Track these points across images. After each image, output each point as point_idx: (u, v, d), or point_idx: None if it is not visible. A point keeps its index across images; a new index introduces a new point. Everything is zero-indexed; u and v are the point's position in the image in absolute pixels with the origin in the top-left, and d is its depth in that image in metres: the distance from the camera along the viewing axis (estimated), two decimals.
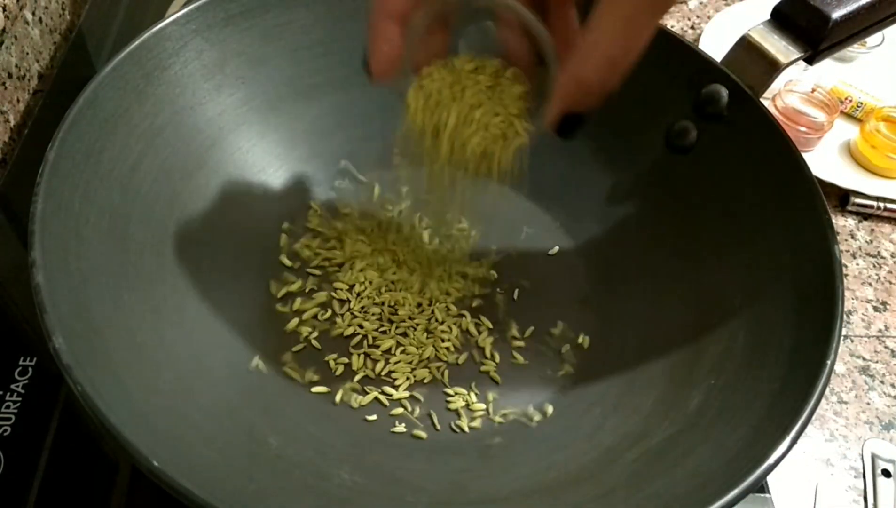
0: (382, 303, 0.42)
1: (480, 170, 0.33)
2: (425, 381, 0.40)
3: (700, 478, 0.30)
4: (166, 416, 0.31)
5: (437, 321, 0.41)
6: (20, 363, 0.39)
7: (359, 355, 0.40)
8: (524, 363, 0.41)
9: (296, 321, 0.41)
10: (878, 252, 0.52)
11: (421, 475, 0.36)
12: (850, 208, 0.54)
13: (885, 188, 0.54)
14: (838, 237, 0.44)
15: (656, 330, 0.40)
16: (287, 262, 0.43)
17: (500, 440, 0.38)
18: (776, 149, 0.39)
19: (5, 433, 0.36)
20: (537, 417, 0.39)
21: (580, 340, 0.42)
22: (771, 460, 0.28)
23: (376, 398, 0.38)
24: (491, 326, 0.42)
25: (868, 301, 0.49)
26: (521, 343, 0.41)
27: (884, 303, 0.49)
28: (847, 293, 0.49)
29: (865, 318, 0.48)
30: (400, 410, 0.38)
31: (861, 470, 0.41)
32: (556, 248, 0.46)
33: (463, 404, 0.39)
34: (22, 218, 0.32)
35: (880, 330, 0.47)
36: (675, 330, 0.40)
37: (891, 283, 0.50)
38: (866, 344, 0.47)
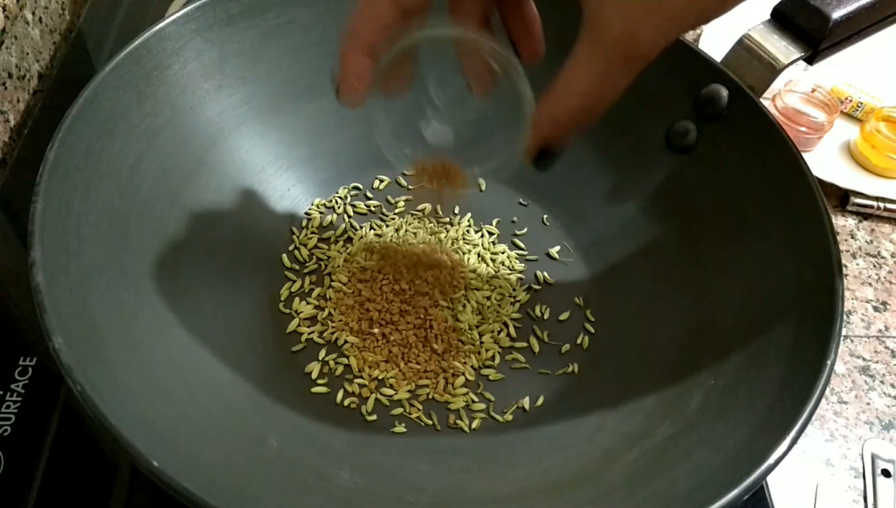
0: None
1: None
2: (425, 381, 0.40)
3: (700, 478, 0.30)
4: (166, 416, 0.31)
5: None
6: (20, 363, 0.39)
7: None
8: (524, 363, 0.41)
9: (296, 320, 0.41)
10: (878, 252, 0.52)
11: (421, 475, 0.35)
12: (850, 208, 0.54)
13: (885, 188, 0.54)
14: (838, 237, 0.44)
15: (656, 330, 0.40)
16: (287, 262, 0.43)
17: (500, 441, 0.38)
18: (776, 149, 0.39)
19: (5, 433, 0.36)
20: (537, 417, 0.39)
21: (580, 340, 0.42)
22: (771, 460, 0.28)
23: (376, 398, 0.38)
24: (491, 326, 0.42)
25: (868, 301, 0.49)
26: (521, 343, 0.41)
27: (884, 303, 0.49)
28: (847, 293, 0.49)
29: (865, 318, 0.48)
30: (400, 410, 0.38)
31: (861, 470, 0.41)
32: (557, 248, 0.46)
33: (463, 404, 0.39)
34: (22, 218, 0.32)
35: (880, 330, 0.47)
36: (675, 330, 0.40)
37: (891, 283, 0.50)
38: (866, 344, 0.47)
